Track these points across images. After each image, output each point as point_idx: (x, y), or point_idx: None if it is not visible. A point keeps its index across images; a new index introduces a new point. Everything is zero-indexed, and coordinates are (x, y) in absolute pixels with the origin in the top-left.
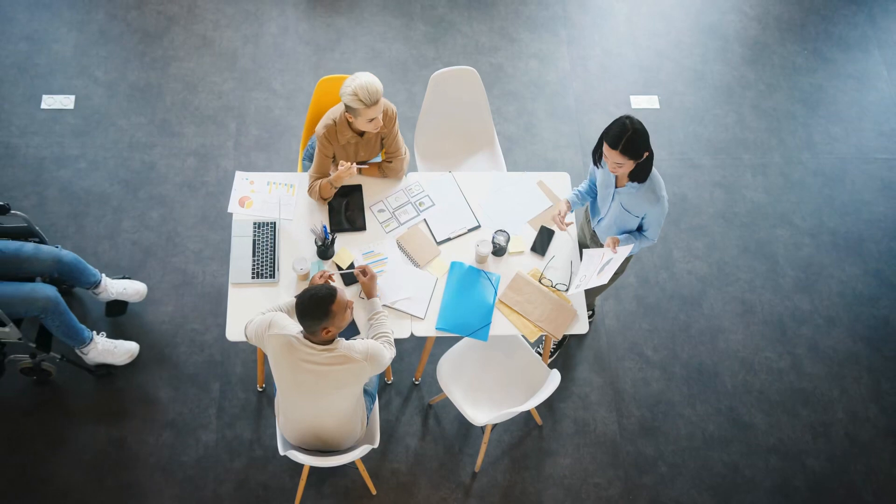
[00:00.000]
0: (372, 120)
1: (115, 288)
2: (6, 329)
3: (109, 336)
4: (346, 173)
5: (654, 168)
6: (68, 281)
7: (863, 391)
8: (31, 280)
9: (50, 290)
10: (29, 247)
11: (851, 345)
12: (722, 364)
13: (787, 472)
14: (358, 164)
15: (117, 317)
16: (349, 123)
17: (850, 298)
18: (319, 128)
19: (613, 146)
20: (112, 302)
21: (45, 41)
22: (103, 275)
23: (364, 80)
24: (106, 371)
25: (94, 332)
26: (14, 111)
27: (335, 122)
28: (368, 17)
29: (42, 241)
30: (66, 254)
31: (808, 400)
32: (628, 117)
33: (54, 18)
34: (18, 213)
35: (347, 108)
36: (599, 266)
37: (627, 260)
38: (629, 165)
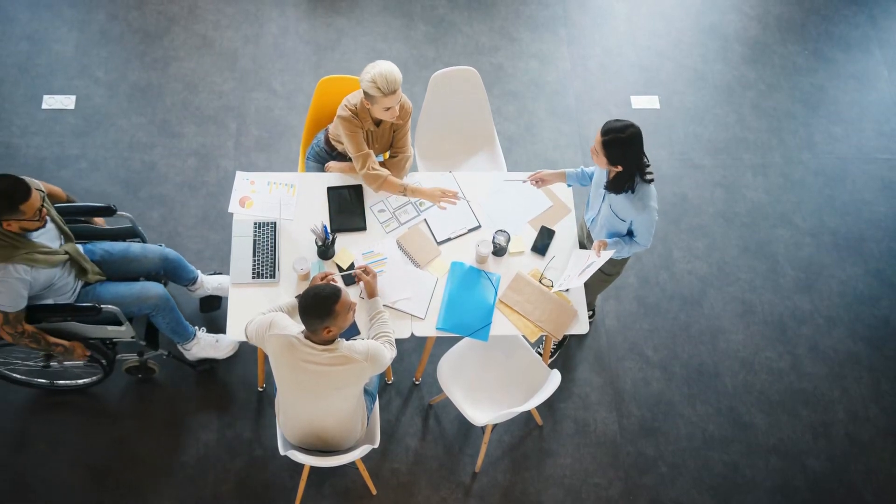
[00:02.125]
0: (388, 109)
1: (211, 283)
2: (122, 328)
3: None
4: (441, 199)
5: (648, 182)
6: (171, 278)
7: (863, 391)
8: (137, 279)
9: (160, 288)
10: (136, 247)
11: (852, 345)
12: (722, 364)
13: (787, 472)
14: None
15: (212, 312)
16: (368, 111)
17: (850, 298)
18: (342, 112)
19: (603, 132)
20: (204, 297)
21: (45, 41)
22: (199, 271)
23: (384, 68)
24: (208, 366)
25: (196, 328)
26: (15, 111)
27: (356, 106)
28: (369, 17)
29: (143, 241)
30: (171, 251)
31: (809, 400)
32: (632, 125)
33: (55, 18)
34: (124, 213)
35: (366, 95)
36: (583, 267)
37: (624, 262)
38: (602, 161)
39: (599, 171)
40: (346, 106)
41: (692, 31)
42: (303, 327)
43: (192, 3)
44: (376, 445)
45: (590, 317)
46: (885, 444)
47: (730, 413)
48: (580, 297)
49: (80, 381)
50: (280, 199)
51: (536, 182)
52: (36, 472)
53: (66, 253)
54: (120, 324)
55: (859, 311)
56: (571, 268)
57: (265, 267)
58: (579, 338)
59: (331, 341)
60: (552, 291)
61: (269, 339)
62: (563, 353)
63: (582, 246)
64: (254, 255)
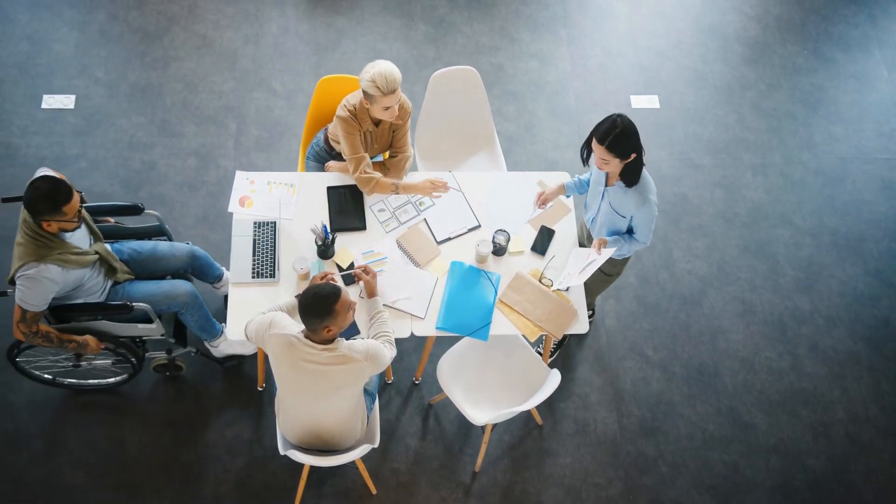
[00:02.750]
0: (388, 109)
1: None
2: (152, 326)
3: None
4: (431, 190)
5: (645, 172)
6: (197, 275)
7: (863, 391)
8: (164, 277)
9: (188, 286)
10: (164, 245)
11: (852, 345)
12: (722, 364)
13: (787, 472)
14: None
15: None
16: (367, 111)
17: (850, 298)
18: (341, 112)
19: (601, 142)
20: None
21: (45, 41)
22: (224, 268)
23: (383, 67)
24: (235, 362)
25: (223, 325)
26: (15, 111)
27: (355, 107)
28: (369, 17)
29: (169, 239)
30: (198, 249)
31: (809, 400)
32: (619, 115)
33: (55, 18)
34: (152, 211)
35: (365, 95)
36: (583, 265)
37: (624, 262)
38: (616, 164)
39: (597, 171)
40: (345, 106)
41: (692, 32)
42: (303, 327)
43: (192, 3)
44: (376, 445)
45: (590, 316)
46: (885, 444)
47: (730, 413)
48: (580, 297)
49: (109, 381)
50: (280, 198)
51: (542, 204)
52: (34, 471)
53: (96, 253)
54: (150, 322)
55: (859, 311)
56: (571, 266)
57: (265, 266)
58: (579, 337)
59: (330, 341)
60: (552, 290)
61: (268, 339)
62: (563, 352)
63: (582, 246)
64: (254, 255)
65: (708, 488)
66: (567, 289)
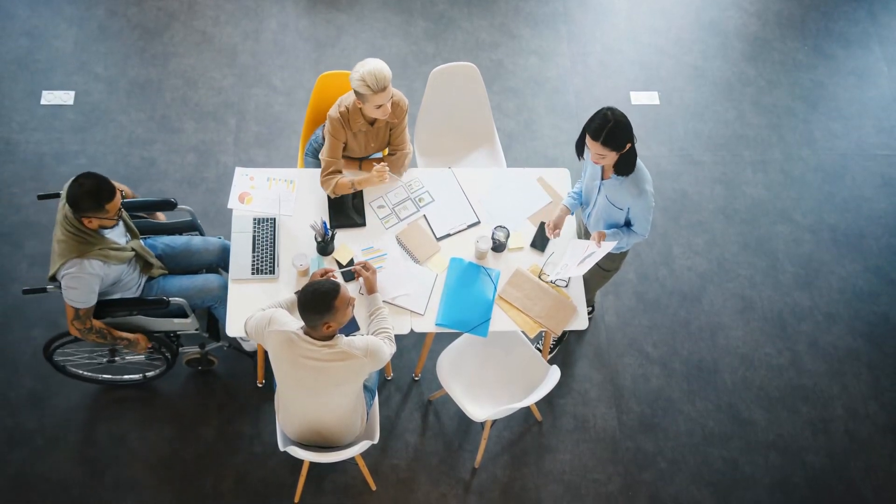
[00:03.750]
0: (380, 106)
1: None
2: (187, 320)
3: None
4: (378, 179)
5: (640, 163)
6: (227, 269)
7: (862, 388)
8: (196, 272)
9: (221, 279)
10: (197, 240)
11: (851, 341)
12: (722, 360)
13: (786, 468)
14: (361, 158)
15: None
16: (360, 111)
17: (850, 295)
18: (333, 112)
19: (595, 138)
20: None
21: (45, 37)
22: None
23: (372, 66)
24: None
25: None
26: (14, 107)
27: (348, 108)
28: (368, 13)
29: (201, 234)
30: (230, 243)
31: (808, 396)
32: (610, 109)
33: (54, 14)
34: (185, 207)
35: (356, 94)
36: (581, 257)
37: (623, 256)
38: (612, 157)
39: (592, 166)
40: (337, 106)
41: (692, 28)
42: (302, 323)
43: (192, 0)
44: (376, 441)
45: (589, 313)
46: (885, 440)
47: (729, 409)
48: (580, 293)
49: (142, 376)
50: (279, 194)
51: (555, 231)
52: (34, 468)
53: (132, 249)
54: (185, 316)
55: (859, 307)
56: (569, 257)
57: (264, 263)
58: (579, 334)
59: (330, 337)
60: (548, 281)
61: (268, 336)
62: (563, 349)
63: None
64: (253, 251)
65: (707, 484)
66: (566, 284)
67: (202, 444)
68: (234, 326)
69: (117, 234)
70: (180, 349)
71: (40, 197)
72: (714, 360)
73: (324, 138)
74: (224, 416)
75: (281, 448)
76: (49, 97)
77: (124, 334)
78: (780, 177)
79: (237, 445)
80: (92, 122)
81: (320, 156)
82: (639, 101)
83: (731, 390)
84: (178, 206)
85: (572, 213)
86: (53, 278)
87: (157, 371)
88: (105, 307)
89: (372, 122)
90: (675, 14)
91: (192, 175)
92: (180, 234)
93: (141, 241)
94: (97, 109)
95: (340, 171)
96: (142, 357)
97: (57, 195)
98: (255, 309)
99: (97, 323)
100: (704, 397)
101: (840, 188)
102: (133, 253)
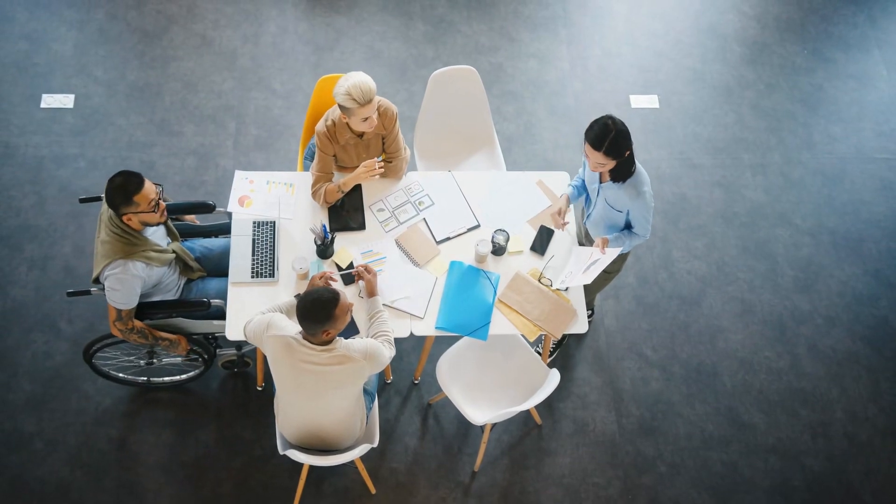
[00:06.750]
0: (366, 119)
1: None
2: (225, 322)
3: None
4: (367, 175)
5: (638, 165)
6: None
7: (862, 391)
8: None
9: None
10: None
11: (851, 345)
12: (721, 364)
13: (786, 471)
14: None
15: None
16: (347, 124)
17: (849, 298)
18: (320, 126)
19: (596, 147)
20: None
21: (44, 40)
22: None
23: (357, 79)
24: None
25: None
26: (13, 110)
27: (334, 122)
28: (368, 16)
29: None
30: None
31: (808, 400)
32: (610, 117)
33: (54, 18)
34: (223, 209)
35: (341, 108)
36: (586, 265)
37: (624, 258)
38: (611, 164)
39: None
40: (324, 121)
41: (691, 31)
42: (300, 328)
43: (191, 3)
44: (375, 445)
45: (589, 316)
46: (884, 443)
47: (729, 413)
48: (579, 297)
49: (178, 378)
50: (279, 198)
51: (562, 217)
52: (32, 472)
53: (173, 251)
54: (224, 318)
55: (858, 310)
56: (573, 265)
57: (264, 266)
58: (578, 337)
59: (329, 342)
60: (552, 289)
61: (267, 340)
62: (562, 352)
63: (580, 243)
64: (253, 255)
65: (707, 488)
66: (566, 288)
67: (201, 448)
68: (233, 330)
69: (159, 237)
70: (217, 351)
71: (82, 200)
72: (713, 364)
73: None
74: (223, 420)
75: (280, 452)
76: (49, 100)
77: (165, 334)
78: (780, 180)
79: (237, 449)
80: (91, 125)
81: (310, 170)
82: (638, 105)
83: (731, 394)
84: (217, 209)
85: (573, 203)
86: (97, 280)
87: (195, 373)
88: (146, 309)
89: (360, 135)
90: (675, 17)
91: (191, 178)
92: (216, 236)
93: (181, 243)
94: (97, 113)
95: (330, 182)
96: (178, 360)
97: (99, 198)
98: (255, 312)
99: (138, 323)
100: (704, 401)
101: (839, 192)
102: (174, 255)
